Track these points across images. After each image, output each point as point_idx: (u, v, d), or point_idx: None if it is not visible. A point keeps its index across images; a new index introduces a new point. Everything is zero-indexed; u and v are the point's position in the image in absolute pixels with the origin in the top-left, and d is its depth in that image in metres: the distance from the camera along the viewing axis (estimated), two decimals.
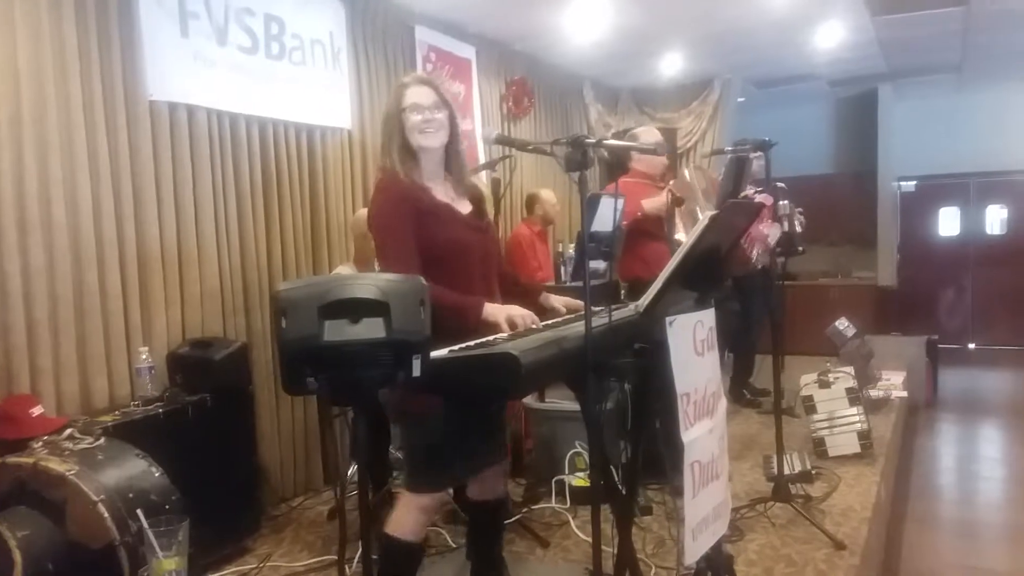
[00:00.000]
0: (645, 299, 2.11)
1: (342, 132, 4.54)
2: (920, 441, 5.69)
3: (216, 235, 3.77)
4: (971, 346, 9.28)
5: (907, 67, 7.80)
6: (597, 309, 2.02)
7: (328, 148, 4.44)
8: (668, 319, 2.03)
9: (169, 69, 3.52)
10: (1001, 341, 9.14)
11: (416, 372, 1.67)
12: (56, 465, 2.38)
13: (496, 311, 2.23)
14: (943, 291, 9.42)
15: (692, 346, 2.15)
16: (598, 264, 2.03)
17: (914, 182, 9.50)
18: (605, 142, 1.84)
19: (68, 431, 2.63)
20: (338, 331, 1.60)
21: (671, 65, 7.01)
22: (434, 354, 1.79)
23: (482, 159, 5.51)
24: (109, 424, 2.87)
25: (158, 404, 3.16)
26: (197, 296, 3.67)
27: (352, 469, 3.69)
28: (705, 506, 2.18)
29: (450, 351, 1.89)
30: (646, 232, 4.13)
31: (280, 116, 4.11)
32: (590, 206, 1.83)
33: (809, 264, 8.45)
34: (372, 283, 1.67)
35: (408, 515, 2.39)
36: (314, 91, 4.31)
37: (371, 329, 1.62)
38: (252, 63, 3.95)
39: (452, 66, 5.42)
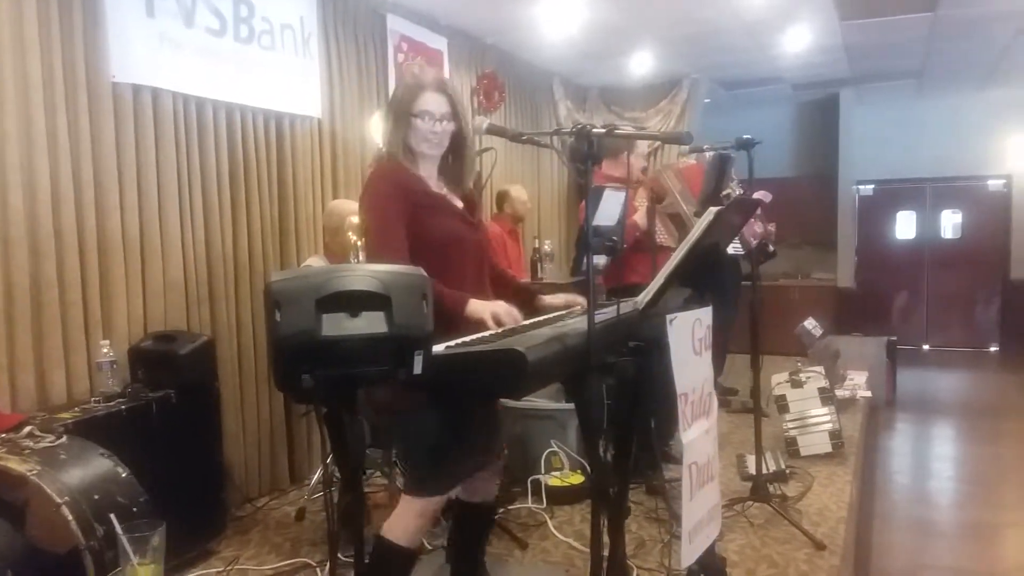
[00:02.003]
0: (645, 296, 2.05)
1: (312, 121, 4.40)
2: (883, 440, 5.76)
3: (180, 224, 3.61)
4: (925, 347, 9.47)
5: (869, 72, 7.91)
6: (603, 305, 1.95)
7: (297, 137, 4.31)
8: (669, 317, 1.98)
9: (133, 50, 3.36)
10: (954, 343, 9.36)
11: (418, 369, 1.58)
12: (16, 465, 2.24)
13: (481, 307, 2.15)
14: (899, 293, 9.60)
15: (691, 345, 2.10)
16: (600, 259, 1.96)
17: (872, 186, 9.67)
18: (617, 132, 1.77)
19: (27, 428, 2.48)
20: (337, 325, 1.51)
21: (640, 64, 7.00)
22: (434, 349, 1.70)
23: None
24: (70, 421, 2.71)
25: (120, 400, 3.01)
26: (160, 288, 3.51)
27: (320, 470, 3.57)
28: (701, 508, 2.14)
29: (447, 347, 1.80)
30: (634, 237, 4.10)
31: (248, 102, 3.96)
32: (592, 199, 1.76)
33: (770, 265, 8.52)
34: (372, 274, 1.57)
35: (405, 519, 2.29)
36: (283, 77, 4.17)
37: (372, 323, 1.52)
38: (220, 46, 3.80)
39: (424, 57, 5.32)
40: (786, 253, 8.99)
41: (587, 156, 1.77)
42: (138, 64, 3.39)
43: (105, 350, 3.09)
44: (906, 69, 7.74)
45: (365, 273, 1.57)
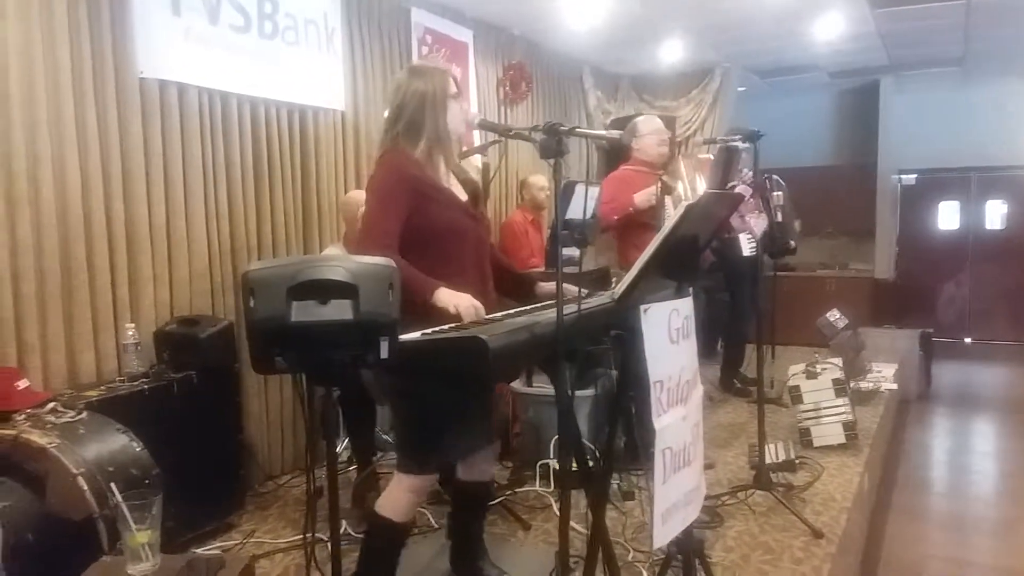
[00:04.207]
0: (621, 286, 2.12)
1: (335, 113, 4.53)
2: (911, 434, 5.71)
3: (206, 215, 3.76)
4: (967, 340, 9.27)
5: (909, 60, 7.76)
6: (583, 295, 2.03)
7: (321, 129, 4.43)
8: (642, 307, 2.04)
9: (160, 46, 3.52)
10: (998, 336, 9.13)
11: (384, 354, 1.68)
12: (37, 438, 2.41)
13: (448, 296, 2.21)
14: (941, 285, 9.40)
15: (667, 334, 2.15)
16: (572, 252, 2.04)
17: (914, 175, 9.47)
18: (577, 130, 1.85)
19: (51, 405, 2.65)
20: (306, 312, 1.62)
21: (671, 53, 6.97)
22: (405, 337, 1.80)
23: (477, 144, 5.52)
24: (93, 399, 2.89)
25: (143, 380, 3.18)
26: (186, 276, 3.68)
27: (339, 447, 3.71)
28: (675, 492, 2.19)
29: (423, 334, 1.90)
30: (641, 222, 4.17)
31: (272, 96, 4.10)
32: (565, 194, 1.83)
33: (807, 255, 8.46)
34: (342, 265, 1.68)
35: (398, 496, 2.43)
36: (307, 71, 4.30)
37: (339, 310, 1.63)
38: (244, 42, 3.94)
39: (449, 49, 5.41)
40: (822, 243, 8.93)
41: (556, 152, 1.85)
42: (165, 60, 3.54)
43: (130, 332, 3.28)
44: (947, 56, 7.57)
45: (336, 264, 1.68)
